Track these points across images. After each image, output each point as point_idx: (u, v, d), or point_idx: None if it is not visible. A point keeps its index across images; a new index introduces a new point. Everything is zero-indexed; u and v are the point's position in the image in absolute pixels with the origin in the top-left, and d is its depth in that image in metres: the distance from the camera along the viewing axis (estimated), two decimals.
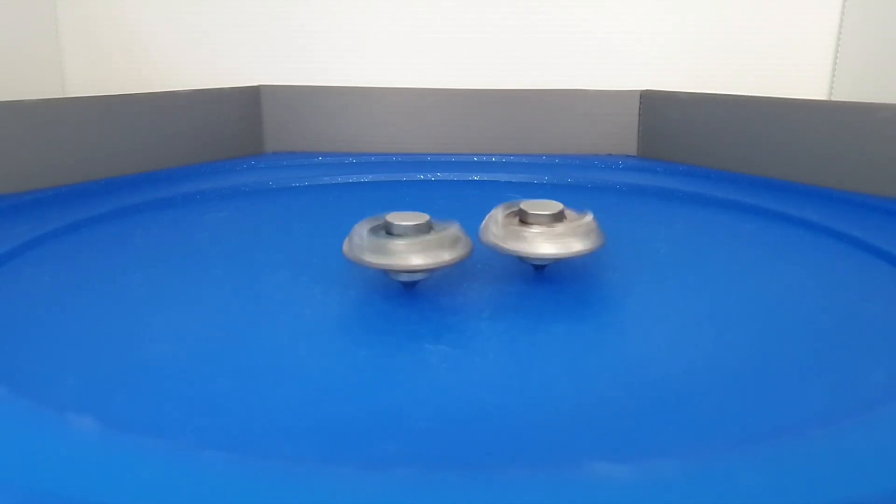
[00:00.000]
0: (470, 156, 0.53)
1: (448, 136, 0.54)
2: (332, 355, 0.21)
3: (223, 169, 0.49)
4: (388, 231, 0.24)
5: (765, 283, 0.28)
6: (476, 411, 0.17)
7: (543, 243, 0.24)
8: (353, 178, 0.47)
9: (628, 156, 0.53)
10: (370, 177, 0.47)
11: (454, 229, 0.24)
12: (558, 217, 0.25)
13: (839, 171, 0.41)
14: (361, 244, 0.24)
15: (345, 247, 0.25)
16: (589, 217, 0.25)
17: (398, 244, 0.23)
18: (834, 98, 0.53)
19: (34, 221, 0.33)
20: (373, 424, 0.17)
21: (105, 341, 0.21)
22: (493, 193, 0.44)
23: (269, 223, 0.37)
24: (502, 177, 0.47)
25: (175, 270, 0.29)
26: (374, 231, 0.24)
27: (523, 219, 0.26)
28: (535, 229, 0.25)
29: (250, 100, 0.53)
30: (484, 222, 0.26)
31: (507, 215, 0.26)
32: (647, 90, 0.53)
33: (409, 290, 0.25)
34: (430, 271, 0.24)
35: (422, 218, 0.24)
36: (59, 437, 0.15)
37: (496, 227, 0.25)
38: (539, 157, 0.52)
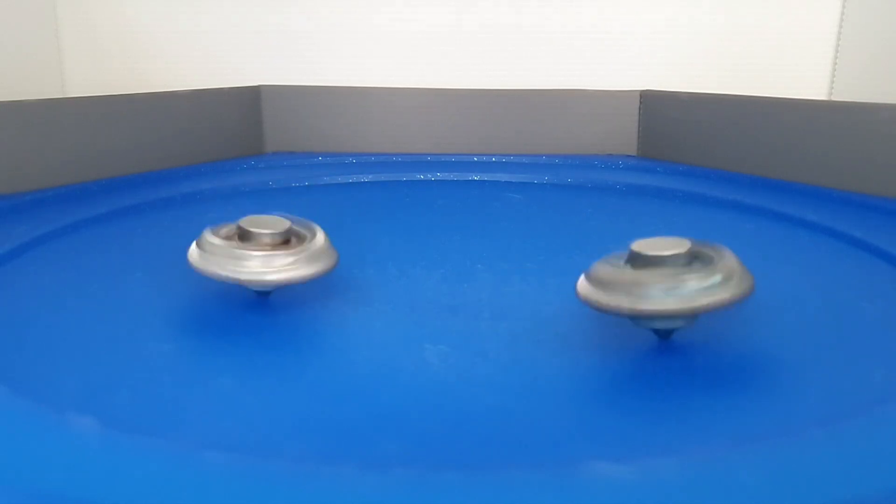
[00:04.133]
0: (470, 156, 0.53)
1: (448, 136, 0.54)
2: (332, 354, 0.21)
3: (223, 169, 0.49)
4: (636, 265, 0.20)
5: (764, 283, 0.28)
6: (476, 411, 0.17)
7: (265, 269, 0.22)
8: (353, 178, 0.47)
9: (628, 156, 0.53)
10: (370, 177, 0.47)
11: (728, 259, 0.19)
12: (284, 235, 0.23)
13: (839, 171, 0.41)
14: (599, 284, 0.19)
15: (580, 286, 0.20)
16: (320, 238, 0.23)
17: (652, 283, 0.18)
18: (834, 98, 0.53)
19: (34, 221, 0.33)
20: (373, 424, 0.17)
21: (105, 341, 0.21)
22: (493, 193, 0.44)
23: None
24: (502, 177, 0.47)
25: (175, 270, 0.29)
26: (617, 265, 0.20)
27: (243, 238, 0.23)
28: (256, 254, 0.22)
29: (250, 100, 0.53)
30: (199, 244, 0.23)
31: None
32: (647, 90, 0.53)
33: (664, 338, 0.21)
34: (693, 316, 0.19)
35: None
36: (59, 437, 0.15)
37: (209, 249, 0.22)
38: (539, 157, 0.52)
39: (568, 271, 0.26)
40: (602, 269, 0.20)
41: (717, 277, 0.18)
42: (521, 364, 0.20)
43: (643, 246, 0.19)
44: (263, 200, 0.42)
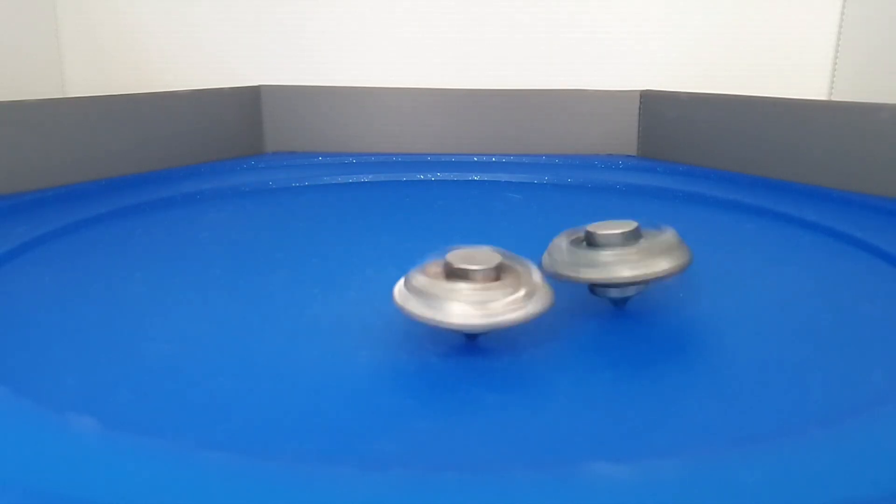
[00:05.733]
0: (470, 156, 0.53)
1: (448, 136, 0.54)
2: (332, 355, 0.21)
3: (223, 169, 0.49)
4: (591, 242, 0.22)
5: (764, 283, 0.28)
6: (476, 411, 0.17)
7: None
8: (353, 178, 0.47)
9: (628, 156, 0.53)
10: (370, 177, 0.47)
11: (669, 235, 0.22)
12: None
13: (839, 171, 0.41)
14: (562, 258, 0.22)
15: (545, 261, 0.22)
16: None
17: (606, 255, 0.21)
18: (834, 98, 0.53)
19: (34, 221, 0.33)
20: (373, 424, 0.17)
21: (105, 341, 0.21)
22: (494, 193, 0.44)
23: (269, 223, 0.37)
24: (502, 177, 0.47)
25: (175, 270, 0.29)
26: (575, 243, 0.22)
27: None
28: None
29: (250, 100, 0.53)
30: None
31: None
32: (647, 90, 0.53)
33: (619, 307, 0.24)
34: (643, 284, 0.22)
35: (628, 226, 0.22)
36: (59, 437, 0.15)
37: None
38: (539, 157, 0.52)
39: None
40: (563, 246, 0.23)
41: (657, 251, 0.21)
42: (520, 364, 0.20)
43: (597, 227, 0.22)
44: (263, 200, 0.42)
